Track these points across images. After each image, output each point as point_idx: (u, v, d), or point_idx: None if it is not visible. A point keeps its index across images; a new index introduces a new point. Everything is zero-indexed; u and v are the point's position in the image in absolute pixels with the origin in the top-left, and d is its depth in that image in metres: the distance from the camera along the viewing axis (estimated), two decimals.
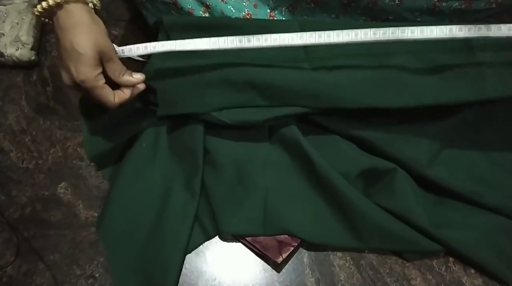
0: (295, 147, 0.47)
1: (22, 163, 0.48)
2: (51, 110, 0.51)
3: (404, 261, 0.44)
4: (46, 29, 0.55)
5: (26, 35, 0.53)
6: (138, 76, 0.40)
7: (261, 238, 0.43)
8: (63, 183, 0.47)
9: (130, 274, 0.42)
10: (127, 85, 0.39)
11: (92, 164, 0.48)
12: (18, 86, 0.52)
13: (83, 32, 0.36)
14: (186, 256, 0.44)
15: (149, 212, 0.45)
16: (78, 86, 0.37)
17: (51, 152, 0.49)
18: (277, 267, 0.44)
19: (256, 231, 0.43)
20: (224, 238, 0.45)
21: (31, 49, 0.53)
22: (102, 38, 0.37)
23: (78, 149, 0.49)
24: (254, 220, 0.43)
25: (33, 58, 0.52)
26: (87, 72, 0.36)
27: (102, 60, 0.37)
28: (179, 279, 0.42)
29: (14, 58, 0.52)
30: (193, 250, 0.44)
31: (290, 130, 0.47)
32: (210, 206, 0.45)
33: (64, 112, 0.51)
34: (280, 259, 0.42)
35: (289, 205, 0.44)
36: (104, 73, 0.38)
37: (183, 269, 0.43)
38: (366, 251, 0.45)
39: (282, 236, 0.43)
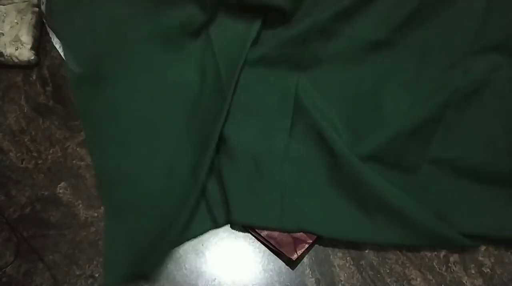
0: (317, 138, 0.46)
1: (22, 163, 0.48)
2: (51, 110, 0.51)
3: (405, 261, 0.44)
4: (46, 29, 0.55)
5: (26, 35, 0.52)
6: None
7: (276, 234, 0.43)
8: (62, 183, 0.47)
9: (122, 243, 0.43)
10: None
11: (91, 163, 0.48)
12: (17, 86, 0.52)
13: None
14: (186, 256, 0.44)
15: (152, 187, 0.45)
16: None
17: (51, 151, 0.48)
18: (291, 264, 0.43)
19: (271, 224, 0.43)
20: (236, 229, 0.45)
21: (31, 49, 0.52)
22: None
23: (77, 149, 0.49)
24: (270, 213, 0.43)
25: (32, 58, 0.52)
26: None
27: None
28: (165, 257, 0.42)
29: (14, 58, 0.52)
30: (198, 235, 0.44)
31: (315, 121, 0.47)
32: (222, 195, 0.45)
33: (64, 112, 0.51)
34: (295, 256, 0.42)
35: (307, 199, 0.44)
36: None
37: (182, 269, 0.43)
38: (367, 251, 0.44)
39: (297, 233, 0.43)
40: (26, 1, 0.55)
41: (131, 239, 0.43)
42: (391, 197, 0.43)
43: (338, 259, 0.44)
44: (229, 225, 0.45)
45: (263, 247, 0.44)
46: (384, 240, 0.44)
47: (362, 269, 0.44)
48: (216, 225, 0.45)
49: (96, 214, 0.45)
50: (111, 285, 0.42)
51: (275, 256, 0.44)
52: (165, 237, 0.42)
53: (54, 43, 0.49)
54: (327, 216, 0.44)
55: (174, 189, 0.44)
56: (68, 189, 0.47)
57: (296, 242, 0.43)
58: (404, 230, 0.43)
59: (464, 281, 0.43)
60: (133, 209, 0.44)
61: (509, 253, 0.44)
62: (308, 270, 0.43)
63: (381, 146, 0.46)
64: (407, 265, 0.44)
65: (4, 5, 0.54)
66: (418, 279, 0.43)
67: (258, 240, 0.44)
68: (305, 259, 0.44)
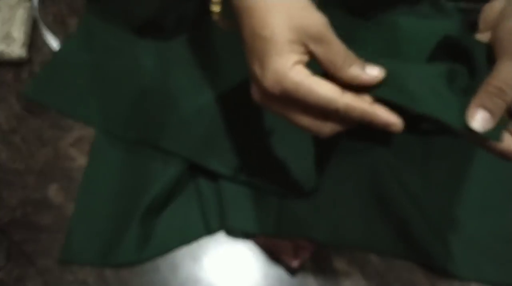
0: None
1: (13, 164, 0.46)
2: (42, 109, 0.49)
3: (412, 268, 0.42)
4: (37, 25, 0.54)
5: (17, 31, 0.51)
6: (376, 73, 0.24)
7: (275, 240, 0.42)
8: (54, 185, 0.45)
9: (91, 224, 0.43)
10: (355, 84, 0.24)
11: (83, 164, 0.46)
12: (8, 84, 0.51)
13: (270, 9, 0.23)
14: (182, 262, 0.43)
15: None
16: (271, 102, 0.24)
17: (43, 152, 0.47)
18: (292, 272, 0.42)
19: (268, 231, 0.42)
20: (234, 235, 0.44)
21: (22, 45, 0.51)
22: (301, 12, 0.23)
23: (70, 149, 0.47)
24: (266, 219, 0.42)
25: (24, 55, 0.51)
26: (278, 64, 0.22)
27: (308, 46, 0.23)
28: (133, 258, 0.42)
29: (5, 55, 0.51)
30: (191, 241, 0.43)
31: None
32: (218, 201, 0.43)
33: (55, 111, 0.49)
34: (295, 263, 0.41)
35: (304, 205, 0.43)
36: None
37: (179, 275, 0.42)
38: (372, 257, 0.43)
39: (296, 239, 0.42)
40: None
41: (101, 222, 0.43)
42: (396, 208, 0.42)
43: (343, 265, 0.43)
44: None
45: (263, 253, 0.43)
46: (386, 250, 0.42)
47: (367, 276, 0.42)
48: (210, 231, 0.43)
49: None
50: (65, 261, 0.42)
51: (276, 263, 0.43)
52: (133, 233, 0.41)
53: (45, 39, 0.48)
54: (325, 222, 0.42)
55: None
56: (60, 191, 0.45)
57: (297, 249, 0.41)
58: (405, 243, 0.42)
59: None
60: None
61: None
62: (311, 277, 0.42)
63: None
64: (414, 271, 0.42)
65: None
66: None
67: (258, 245, 0.43)
68: (308, 265, 0.42)
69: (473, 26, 0.53)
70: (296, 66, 0.23)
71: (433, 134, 0.47)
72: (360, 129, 0.45)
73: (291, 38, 0.23)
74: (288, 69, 0.23)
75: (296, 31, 0.23)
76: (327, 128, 0.25)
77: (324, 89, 0.23)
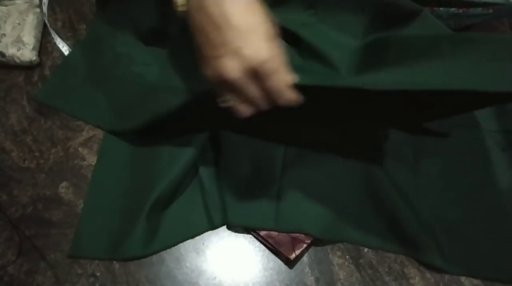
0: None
1: (24, 163, 0.48)
2: (52, 111, 0.51)
3: (403, 260, 0.44)
4: (47, 30, 0.55)
5: (28, 36, 0.53)
6: None
7: (274, 234, 0.43)
8: (64, 182, 0.47)
9: (100, 220, 0.44)
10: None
11: (93, 163, 0.48)
12: (19, 87, 0.52)
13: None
14: (187, 255, 0.44)
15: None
16: (248, 77, 0.29)
17: (52, 151, 0.49)
18: (289, 263, 0.44)
19: (267, 226, 0.43)
20: (234, 230, 0.45)
21: (32, 49, 0.53)
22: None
23: (79, 149, 0.49)
24: (266, 214, 0.43)
25: (34, 58, 0.53)
26: (266, 46, 0.27)
27: None
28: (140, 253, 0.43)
29: (16, 59, 0.52)
30: (195, 236, 0.44)
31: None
32: (220, 196, 0.45)
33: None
34: (293, 256, 0.42)
35: (303, 201, 0.44)
36: None
37: (183, 267, 0.43)
38: (365, 250, 0.45)
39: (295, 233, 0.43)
40: (28, 2, 0.55)
41: (108, 218, 0.44)
42: (388, 205, 0.43)
43: (337, 257, 0.44)
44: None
45: (263, 246, 0.45)
46: (378, 245, 0.44)
47: (361, 268, 0.44)
48: (213, 226, 0.45)
49: None
50: (74, 256, 0.43)
51: (275, 255, 0.44)
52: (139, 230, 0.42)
53: (56, 43, 0.50)
54: (321, 218, 0.44)
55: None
56: (70, 188, 0.47)
57: (295, 242, 0.43)
58: (396, 239, 0.43)
59: (462, 280, 0.43)
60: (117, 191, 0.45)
61: None
62: (307, 269, 0.44)
63: None
64: (405, 264, 0.44)
65: (5, 6, 0.54)
66: (417, 278, 0.43)
67: (258, 239, 0.45)
68: (305, 258, 0.44)
69: (464, 30, 0.55)
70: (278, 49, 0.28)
71: (422, 134, 0.48)
72: (354, 132, 0.47)
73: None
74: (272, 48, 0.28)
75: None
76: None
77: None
